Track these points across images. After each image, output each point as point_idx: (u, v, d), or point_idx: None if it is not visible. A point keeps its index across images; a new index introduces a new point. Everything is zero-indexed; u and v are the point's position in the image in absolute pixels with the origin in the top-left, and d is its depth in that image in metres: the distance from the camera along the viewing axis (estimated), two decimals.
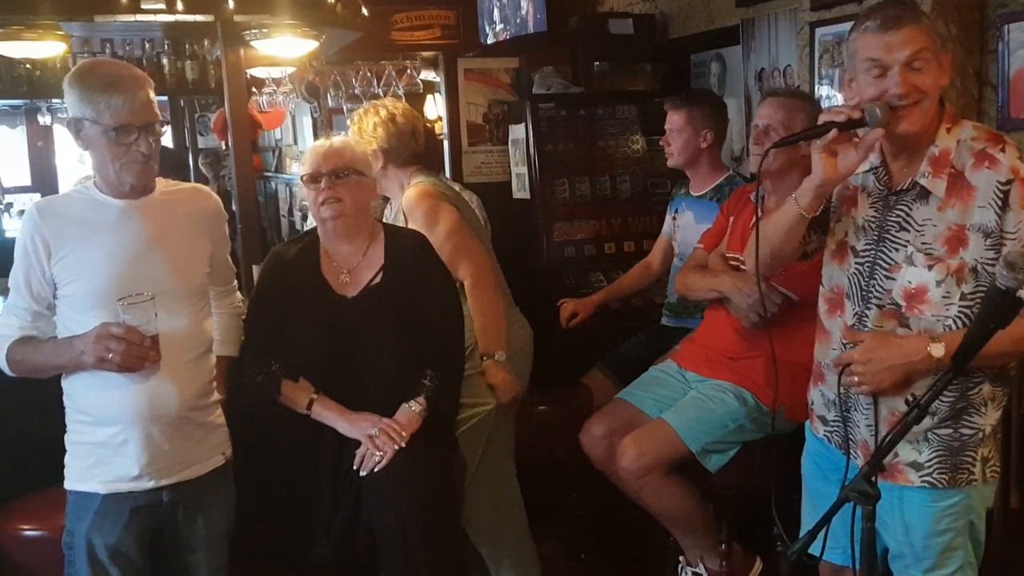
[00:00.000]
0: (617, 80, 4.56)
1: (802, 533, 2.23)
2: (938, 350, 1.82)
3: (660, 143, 3.35)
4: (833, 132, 1.86)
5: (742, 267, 2.75)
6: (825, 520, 1.73)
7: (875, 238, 1.98)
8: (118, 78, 2.07)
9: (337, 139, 2.59)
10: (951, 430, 1.93)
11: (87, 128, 2.08)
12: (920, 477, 1.95)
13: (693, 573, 2.84)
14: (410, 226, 2.82)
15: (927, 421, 1.89)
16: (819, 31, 3.44)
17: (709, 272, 2.87)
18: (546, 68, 4.49)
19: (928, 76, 1.85)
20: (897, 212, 1.95)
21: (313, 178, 2.49)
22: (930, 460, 1.94)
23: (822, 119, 1.90)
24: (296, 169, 7.44)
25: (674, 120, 3.27)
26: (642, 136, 4.22)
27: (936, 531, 1.97)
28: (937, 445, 1.94)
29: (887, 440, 1.69)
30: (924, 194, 1.90)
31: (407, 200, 2.88)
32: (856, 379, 1.93)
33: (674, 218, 3.45)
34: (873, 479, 1.65)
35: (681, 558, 2.87)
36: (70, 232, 2.10)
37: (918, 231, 1.91)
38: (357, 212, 2.54)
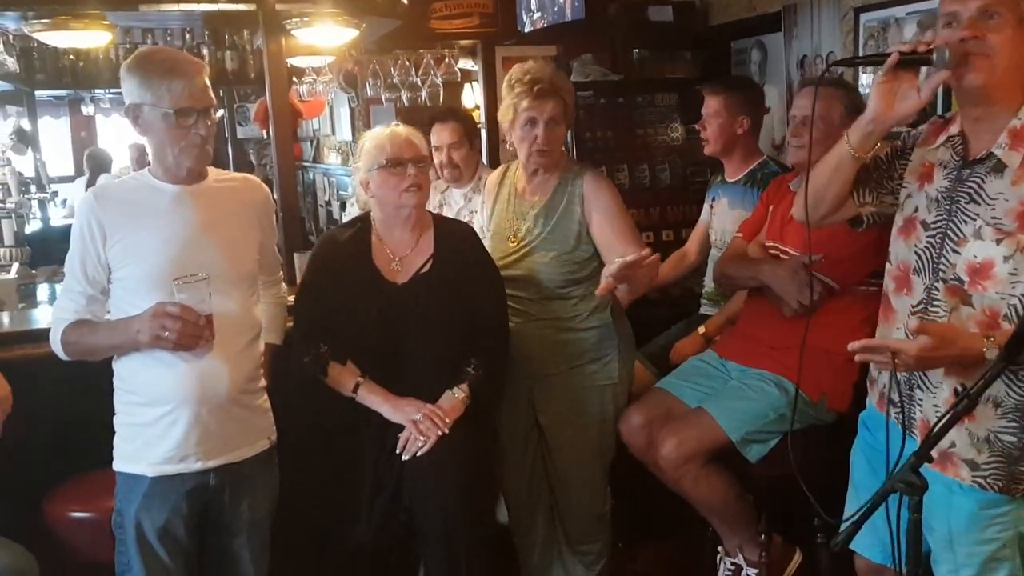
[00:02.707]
0: (656, 68, 4.52)
1: (844, 525, 2.23)
2: (992, 353, 1.77)
3: (696, 128, 3.31)
4: (894, 57, 1.83)
5: (782, 256, 2.73)
6: (870, 510, 1.71)
7: (946, 210, 1.93)
8: (177, 63, 2.12)
9: (403, 127, 2.60)
10: (1015, 438, 1.87)
11: (146, 113, 2.12)
12: (972, 476, 1.91)
13: (732, 563, 2.82)
14: (597, 210, 2.71)
15: (990, 413, 1.85)
16: (863, 16, 3.40)
17: (748, 261, 2.85)
18: (584, 56, 4.46)
19: (1002, 33, 1.80)
20: (969, 184, 1.89)
21: (397, 163, 2.50)
22: (988, 463, 1.89)
23: (890, 51, 1.88)
24: (334, 159, 7.50)
25: (711, 106, 3.23)
26: (681, 124, 4.18)
27: (982, 539, 1.92)
28: (999, 449, 1.88)
29: (935, 430, 1.66)
30: (999, 167, 1.85)
31: (593, 181, 2.76)
32: (899, 364, 1.88)
33: (711, 206, 3.43)
34: (920, 469, 1.63)
35: (720, 548, 2.86)
36: (125, 217, 2.15)
37: (989, 204, 1.85)
38: (426, 200, 2.61)
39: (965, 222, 1.88)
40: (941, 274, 1.92)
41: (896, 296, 2.06)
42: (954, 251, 1.89)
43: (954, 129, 1.97)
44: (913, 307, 1.98)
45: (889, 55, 1.85)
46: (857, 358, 1.92)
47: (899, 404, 2.01)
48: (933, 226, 1.95)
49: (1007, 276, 1.82)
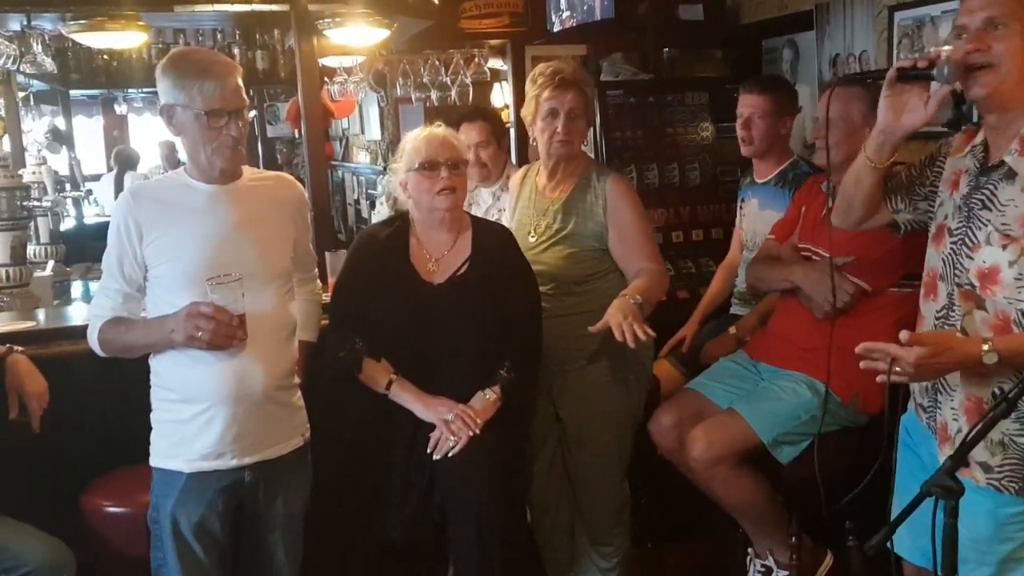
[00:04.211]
0: (687, 67, 4.49)
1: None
2: (991, 358, 1.79)
3: (739, 128, 3.24)
4: (891, 72, 1.90)
5: (814, 258, 2.72)
6: (904, 514, 1.70)
7: (965, 216, 1.95)
8: (210, 64, 2.13)
9: (442, 129, 2.60)
10: None
11: (179, 114, 2.14)
12: (987, 478, 1.91)
13: (762, 565, 2.81)
14: (616, 221, 2.77)
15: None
16: (898, 15, 3.36)
17: (780, 263, 2.85)
18: (614, 55, 4.45)
19: (1007, 42, 1.83)
20: (984, 191, 1.92)
21: (431, 166, 2.51)
22: (1001, 466, 1.90)
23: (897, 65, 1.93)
24: (363, 158, 7.54)
25: (757, 105, 3.17)
26: (712, 123, 4.14)
27: (1000, 538, 1.92)
28: (1012, 452, 1.89)
29: (971, 435, 1.65)
30: (1011, 174, 1.88)
31: (616, 185, 2.79)
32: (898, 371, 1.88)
33: (740, 207, 3.42)
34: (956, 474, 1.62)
35: (750, 550, 2.85)
36: (161, 215, 2.17)
37: (1000, 211, 1.88)
38: (462, 203, 2.63)
39: (979, 228, 1.91)
40: (957, 279, 1.95)
41: (924, 302, 2.09)
42: (968, 256, 1.93)
43: (979, 137, 2.00)
44: (937, 312, 2.01)
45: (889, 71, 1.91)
46: (862, 364, 1.92)
47: (929, 408, 2.03)
48: (955, 232, 1.98)
49: (1013, 281, 1.85)
